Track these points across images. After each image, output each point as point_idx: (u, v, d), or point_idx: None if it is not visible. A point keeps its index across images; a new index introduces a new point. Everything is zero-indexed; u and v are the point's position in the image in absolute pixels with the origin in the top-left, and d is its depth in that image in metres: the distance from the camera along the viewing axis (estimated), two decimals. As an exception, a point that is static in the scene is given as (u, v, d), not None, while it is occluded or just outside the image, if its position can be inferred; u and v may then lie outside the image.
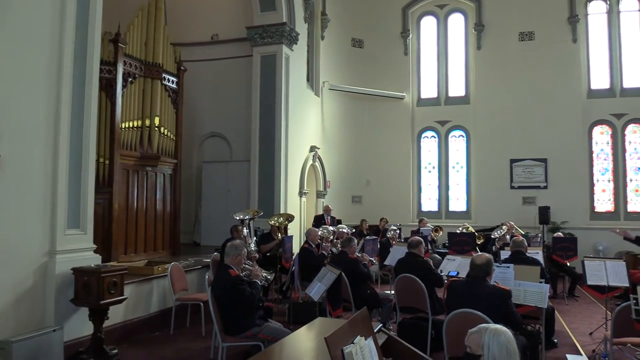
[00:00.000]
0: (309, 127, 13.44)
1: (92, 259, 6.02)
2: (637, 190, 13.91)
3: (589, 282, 6.61)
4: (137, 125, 9.11)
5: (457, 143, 15.35)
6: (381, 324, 3.54)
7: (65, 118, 5.68)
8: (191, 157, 12.61)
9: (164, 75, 9.68)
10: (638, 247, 7.98)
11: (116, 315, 6.36)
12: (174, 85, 10.05)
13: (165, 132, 9.74)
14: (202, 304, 7.00)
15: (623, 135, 13.97)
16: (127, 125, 8.83)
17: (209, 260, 8.48)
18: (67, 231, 5.71)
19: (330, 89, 14.65)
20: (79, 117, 5.90)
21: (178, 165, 10.22)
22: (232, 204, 11.67)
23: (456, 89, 15.43)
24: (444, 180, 15.38)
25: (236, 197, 12.09)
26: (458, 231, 10.92)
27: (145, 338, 6.81)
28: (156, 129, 9.43)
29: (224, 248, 5.71)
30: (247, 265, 5.48)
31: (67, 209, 5.71)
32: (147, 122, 9.29)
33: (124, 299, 5.93)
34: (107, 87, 8.40)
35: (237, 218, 8.54)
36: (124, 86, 8.72)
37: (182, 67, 10.32)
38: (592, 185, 14.06)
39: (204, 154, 12.94)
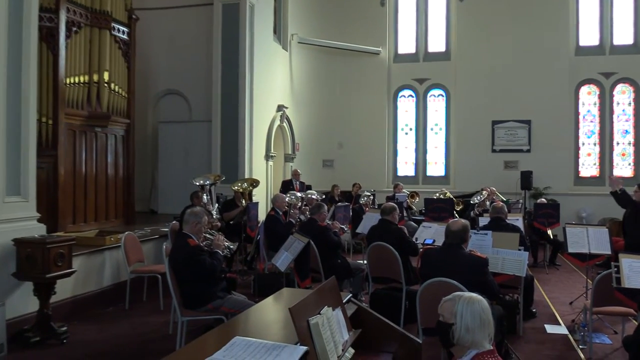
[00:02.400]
0: (276, 84, 13.31)
1: (36, 229, 5.94)
2: (623, 154, 14.29)
3: (570, 250, 6.87)
4: (84, 80, 8.91)
5: (436, 103, 15.44)
6: (351, 295, 3.61)
7: (1, 73, 5.49)
8: (146, 117, 12.43)
9: (113, 24, 9.42)
10: (621, 211, 8.28)
11: (64, 289, 6.34)
12: (124, 36, 9.81)
13: (116, 89, 9.56)
14: (159, 276, 7.02)
15: (611, 96, 14.25)
16: (72, 81, 8.62)
17: (166, 229, 8.48)
18: (7, 199, 5.61)
19: (299, 43, 14.46)
20: (16, 72, 5.72)
21: (131, 126, 10.09)
22: (191, 168, 11.57)
23: (436, 44, 15.41)
24: (421, 143, 15.52)
25: (196, 160, 12.00)
26: (435, 197, 11.11)
27: (97, 314, 6.81)
28: (105, 85, 9.24)
29: (183, 216, 5.68)
30: (208, 235, 5.49)
31: (6, 175, 5.60)
32: (95, 78, 9.10)
33: (73, 272, 5.90)
34: (48, 37, 8.15)
35: (197, 184, 8.50)
36: (67, 36, 8.46)
37: (133, 16, 10.06)
38: (577, 148, 14.39)
39: (159, 113, 12.77)
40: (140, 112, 11.37)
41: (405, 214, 10.87)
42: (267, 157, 12.74)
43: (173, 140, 12.32)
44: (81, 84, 8.83)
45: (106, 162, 9.48)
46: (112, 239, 7.42)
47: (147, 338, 5.91)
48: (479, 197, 10.10)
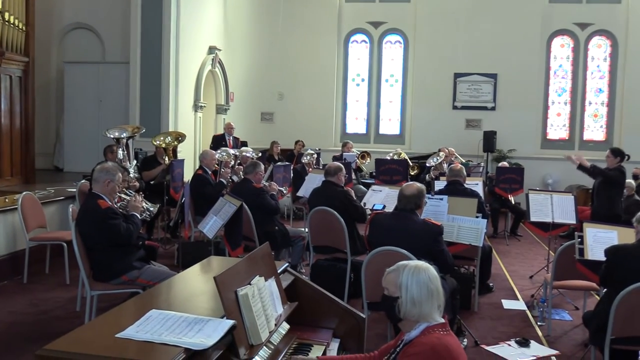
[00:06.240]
0: (207, 22, 13.05)
1: None
2: (595, 116, 14.86)
3: (533, 218, 7.20)
4: (-29, 8, 8.52)
5: (393, 50, 15.55)
6: (289, 265, 3.66)
7: None
8: (49, 56, 12.04)
9: (6, -61, 9.01)
10: (591, 179, 8.66)
11: (-52, 258, 6.18)
12: (21, -45, 9.40)
13: (12, 20, 9.20)
14: (65, 244, 6.90)
15: (586, 50, 14.70)
16: (-45, 8, 8.23)
17: (74, 189, 8.35)
18: None
19: (235, -27, 14.21)
20: None
21: (30, 66, 9.82)
22: (105, 118, 11.38)
23: (395, -19, 15.45)
24: (374, 96, 15.66)
25: (111, 109, 11.77)
26: (388, 158, 11.27)
27: (-11, 288, 6.69)
28: (-2, 15, 8.87)
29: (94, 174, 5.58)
30: (123, 195, 5.42)
31: None
32: (-15, 5, 8.71)
33: (-42, 238, 5.75)
34: None
35: (112, 137, 8.32)
36: (-51, -48, 8.03)
37: None
38: (546, 107, 14.87)
39: (66, 51, 12.37)
40: (41, 50, 11.02)
41: (353, 176, 11.02)
42: (196, 107, 12.57)
43: (82, 85, 11.99)
44: (-33, 13, 8.46)
45: (-1, 109, 9.19)
46: (6, 201, 7.29)
47: (50, 316, 5.85)
48: (435, 159, 10.34)
